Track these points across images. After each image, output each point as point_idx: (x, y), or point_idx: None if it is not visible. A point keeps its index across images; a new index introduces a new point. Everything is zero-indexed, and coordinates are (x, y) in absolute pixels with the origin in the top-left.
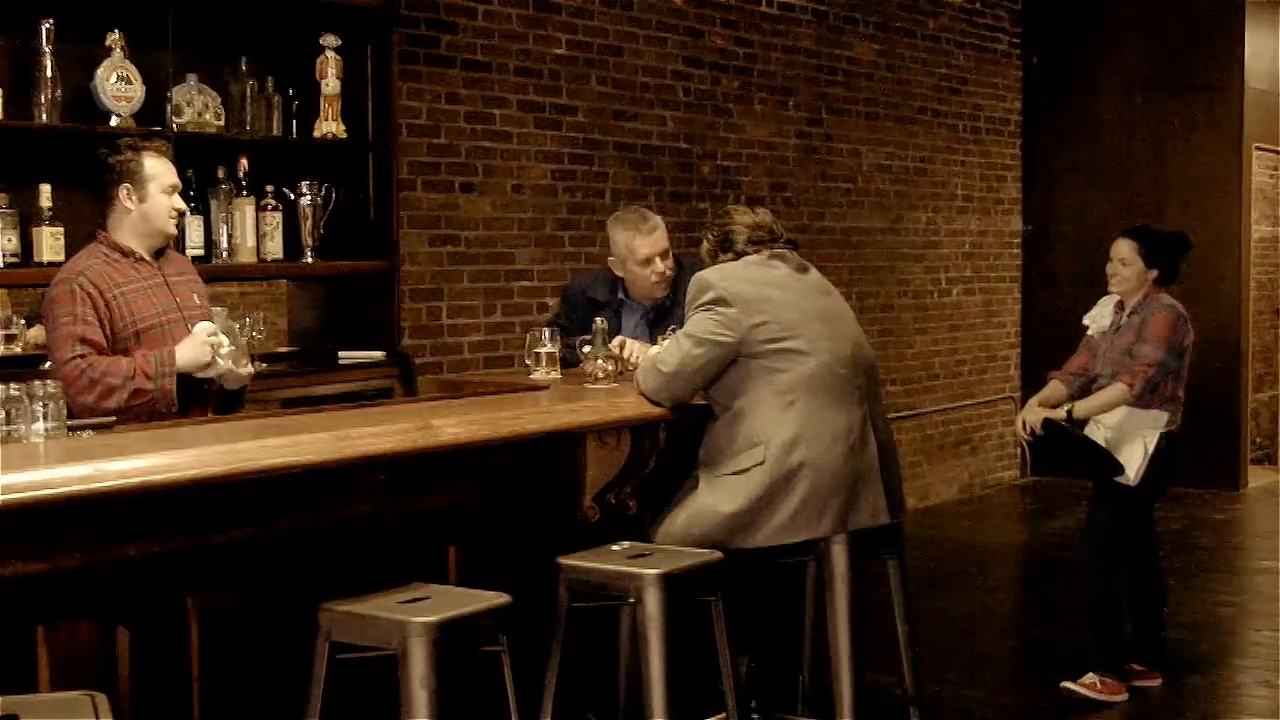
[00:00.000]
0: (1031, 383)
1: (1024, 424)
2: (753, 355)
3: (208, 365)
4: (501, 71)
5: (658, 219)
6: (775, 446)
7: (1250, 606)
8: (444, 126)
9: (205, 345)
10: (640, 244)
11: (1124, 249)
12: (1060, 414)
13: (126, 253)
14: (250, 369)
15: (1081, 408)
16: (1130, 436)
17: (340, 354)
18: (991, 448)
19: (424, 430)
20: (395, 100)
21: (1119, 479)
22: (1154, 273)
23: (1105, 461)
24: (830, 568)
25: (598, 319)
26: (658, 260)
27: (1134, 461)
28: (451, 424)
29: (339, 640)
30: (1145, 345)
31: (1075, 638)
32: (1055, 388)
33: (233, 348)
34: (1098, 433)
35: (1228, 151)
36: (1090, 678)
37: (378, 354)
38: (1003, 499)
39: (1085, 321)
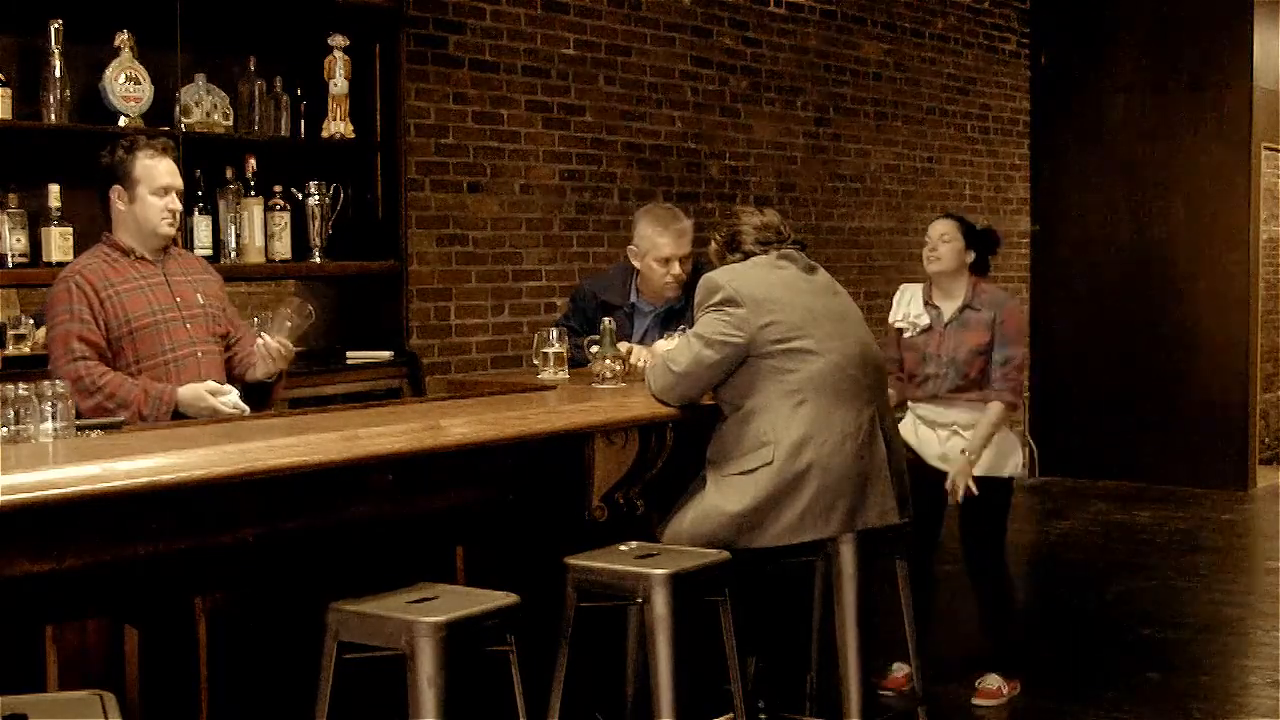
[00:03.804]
0: (1039, 382)
1: (963, 489)
2: (762, 356)
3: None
4: (509, 71)
5: (688, 223)
6: (784, 447)
7: (1258, 607)
8: (452, 126)
9: (208, 407)
10: (664, 241)
11: (944, 226)
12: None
13: (127, 252)
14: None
15: (976, 446)
16: (1004, 434)
17: (348, 354)
18: None
19: (432, 430)
20: (403, 100)
21: (1006, 475)
22: (971, 254)
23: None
24: (838, 567)
25: (606, 319)
26: (675, 263)
27: (1016, 455)
28: (459, 424)
29: (347, 640)
30: (1010, 348)
31: (1085, 638)
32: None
33: (236, 407)
34: (958, 443)
35: (1235, 151)
36: (995, 681)
37: (385, 354)
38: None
39: (898, 324)
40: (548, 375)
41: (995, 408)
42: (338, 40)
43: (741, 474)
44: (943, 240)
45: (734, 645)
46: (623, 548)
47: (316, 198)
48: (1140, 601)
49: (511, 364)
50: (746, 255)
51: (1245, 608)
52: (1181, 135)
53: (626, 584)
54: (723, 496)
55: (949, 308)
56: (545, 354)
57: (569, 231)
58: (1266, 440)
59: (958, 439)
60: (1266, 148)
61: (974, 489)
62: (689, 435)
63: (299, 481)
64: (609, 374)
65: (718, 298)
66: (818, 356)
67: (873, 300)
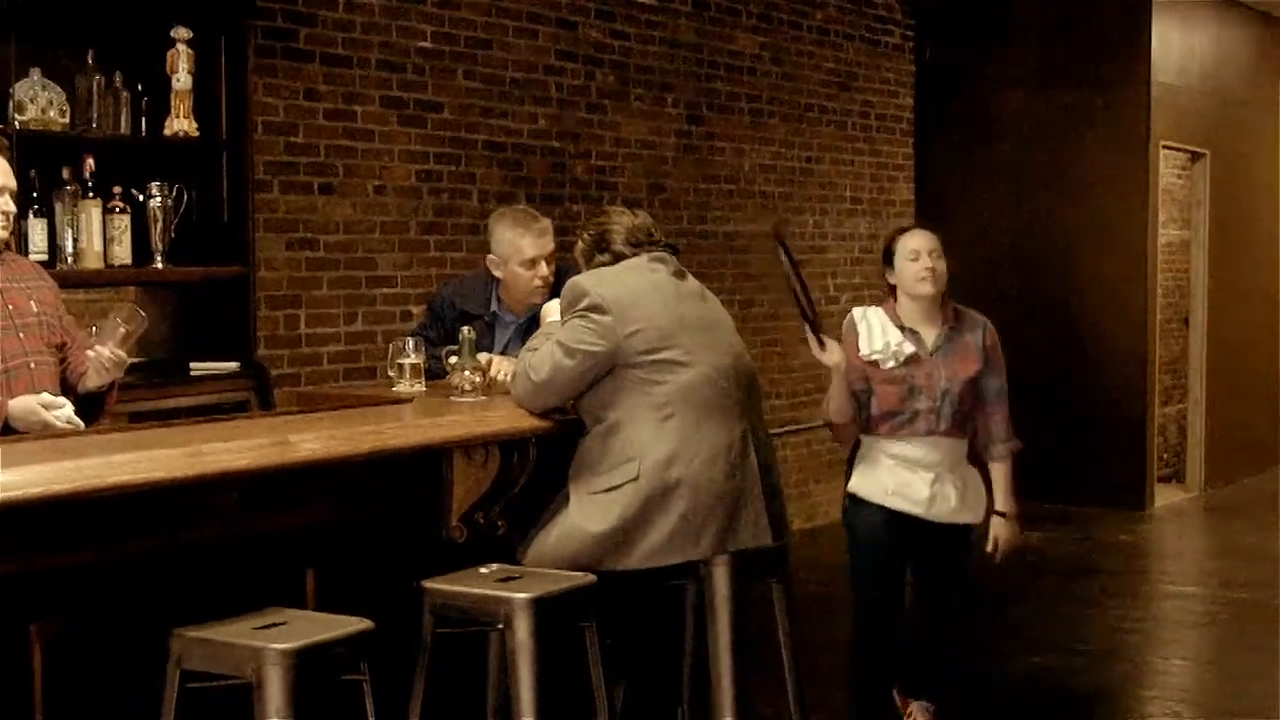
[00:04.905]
0: None
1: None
2: (628, 365)
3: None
4: (363, 66)
5: (548, 221)
6: (650, 462)
7: (1157, 633)
8: (302, 124)
9: (40, 421)
10: (526, 243)
11: (930, 239)
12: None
13: None
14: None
15: (1008, 503)
16: (971, 473)
17: (192, 365)
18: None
19: (280, 446)
20: (250, 97)
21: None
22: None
23: None
24: (711, 591)
25: (465, 328)
26: (542, 264)
27: (984, 496)
28: (309, 439)
29: (190, 668)
30: (1001, 375)
31: (974, 667)
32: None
33: (71, 421)
34: (950, 488)
35: (1133, 150)
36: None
37: (232, 365)
38: None
39: (874, 355)
40: (403, 388)
41: (1006, 466)
42: (181, 33)
43: (605, 491)
44: (934, 256)
45: (600, 673)
46: (483, 570)
47: (158, 199)
48: (1032, 628)
49: (365, 376)
50: (616, 257)
51: (1143, 634)
52: (1075, 133)
53: (487, 609)
54: (585, 516)
55: (929, 333)
56: (401, 365)
57: (426, 235)
58: (1165, 457)
59: (944, 485)
60: (1166, 146)
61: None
62: (554, 450)
63: (139, 501)
64: (468, 386)
65: (584, 303)
66: (687, 368)
67: (748, 309)
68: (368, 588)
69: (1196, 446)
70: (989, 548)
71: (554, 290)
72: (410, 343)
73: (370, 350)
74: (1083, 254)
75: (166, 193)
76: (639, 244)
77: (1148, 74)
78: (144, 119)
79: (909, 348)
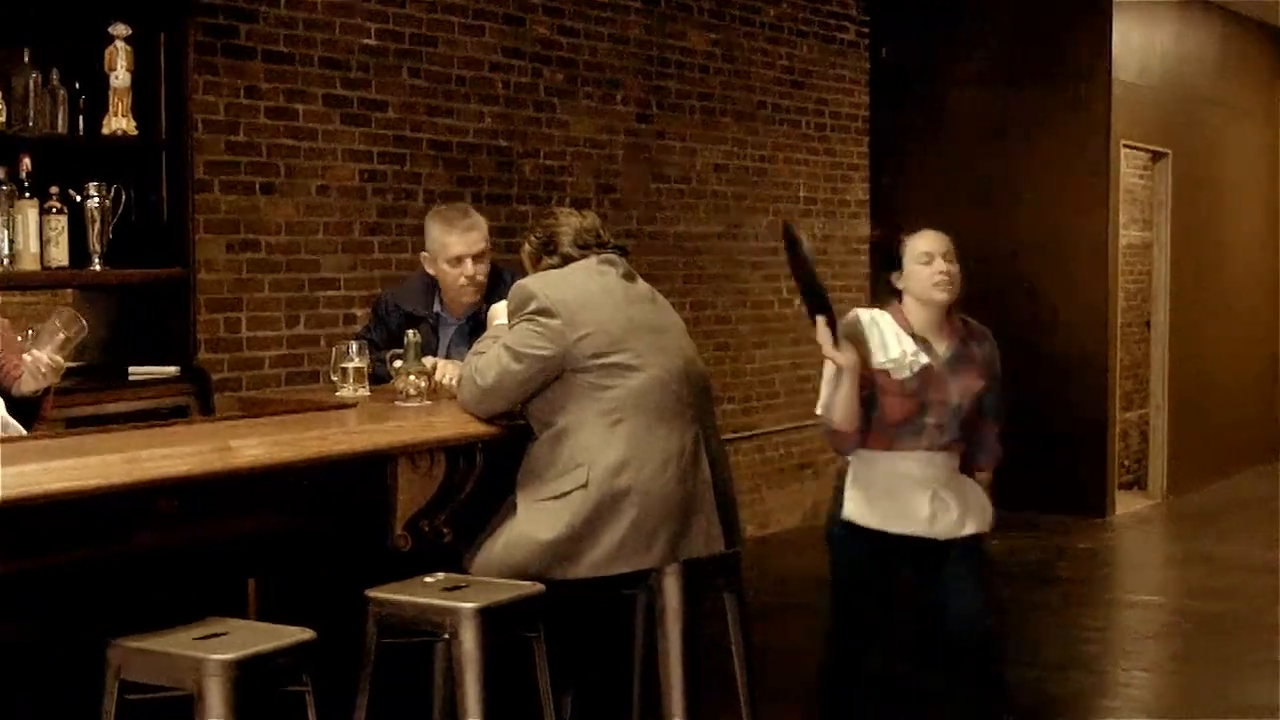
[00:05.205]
0: None
1: None
2: (577, 370)
3: None
4: (305, 63)
5: (480, 219)
6: (599, 469)
7: (1118, 643)
8: (243, 123)
9: None
10: (452, 240)
11: (943, 240)
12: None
13: None
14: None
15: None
16: (973, 487)
17: (131, 369)
18: (836, 472)
19: (221, 452)
20: (191, 95)
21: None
22: None
23: None
24: (662, 601)
25: (410, 331)
26: (469, 262)
27: (989, 507)
28: (251, 445)
29: (130, 679)
30: (997, 390)
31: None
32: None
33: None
34: (950, 501)
35: (1094, 149)
36: None
37: (171, 369)
38: None
39: (886, 365)
40: (347, 392)
41: (991, 475)
42: (119, 29)
43: (554, 498)
44: (948, 259)
45: (548, 684)
46: (428, 579)
47: (96, 200)
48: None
49: (308, 380)
50: (565, 259)
51: (1104, 644)
52: (1035, 132)
53: (432, 618)
54: (533, 523)
55: (938, 343)
56: (344, 369)
57: (370, 237)
58: (1127, 463)
59: (943, 500)
60: (1127, 146)
61: None
62: (502, 457)
63: (77, 508)
64: (413, 391)
65: (531, 307)
66: (638, 372)
67: (700, 312)
68: (310, 597)
69: (1158, 452)
70: None
71: (490, 291)
72: (354, 346)
73: (313, 354)
74: (1042, 256)
75: (105, 193)
76: (587, 246)
77: (1108, 72)
78: (81, 118)
79: (923, 358)
